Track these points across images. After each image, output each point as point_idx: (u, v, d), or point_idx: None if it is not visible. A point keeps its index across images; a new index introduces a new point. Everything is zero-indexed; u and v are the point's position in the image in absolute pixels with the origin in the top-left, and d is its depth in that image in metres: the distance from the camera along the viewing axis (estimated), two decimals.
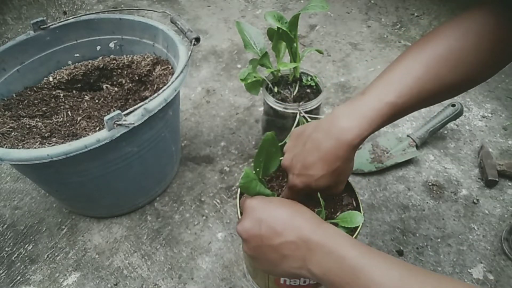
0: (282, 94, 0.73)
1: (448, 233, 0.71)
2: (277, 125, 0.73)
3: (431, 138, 0.87)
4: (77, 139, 0.64)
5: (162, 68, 0.77)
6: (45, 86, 0.78)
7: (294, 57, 0.70)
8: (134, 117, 0.56)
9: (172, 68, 0.76)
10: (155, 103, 0.58)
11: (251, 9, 1.36)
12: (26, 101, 0.74)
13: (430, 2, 1.32)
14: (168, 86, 0.61)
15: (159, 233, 0.73)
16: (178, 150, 0.80)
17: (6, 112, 0.71)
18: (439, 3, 1.31)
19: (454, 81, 0.43)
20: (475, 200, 0.76)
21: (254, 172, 0.51)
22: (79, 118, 0.72)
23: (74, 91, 0.80)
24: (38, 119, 0.71)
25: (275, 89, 0.73)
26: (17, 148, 0.63)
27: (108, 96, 0.78)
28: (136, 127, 0.56)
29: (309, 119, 0.68)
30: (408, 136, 0.85)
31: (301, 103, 0.68)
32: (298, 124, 0.68)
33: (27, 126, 0.68)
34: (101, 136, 0.54)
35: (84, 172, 0.62)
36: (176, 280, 0.66)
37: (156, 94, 0.59)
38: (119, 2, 1.41)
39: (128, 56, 0.81)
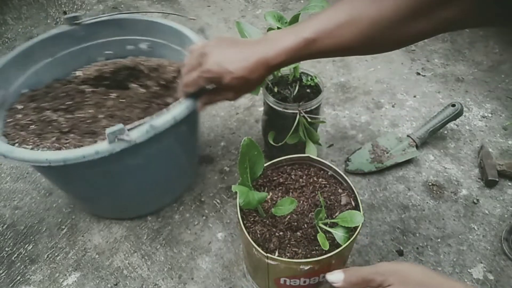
0: (282, 94, 0.73)
1: (448, 233, 0.71)
2: (277, 125, 0.73)
3: (431, 138, 0.87)
4: (95, 138, 0.66)
5: None
6: (74, 80, 0.78)
7: None
8: (138, 133, 0.53)
9: None
10: (162, 120, 0.55)
11: (251, 9, 1.36)
12: (52, 93, 0.74)
13: None
14: (180, 103, 0.58)
15: (159, 233, 0.73)
16: (195, 163, 0.77)
17: (31, 103, 0.71)
18: None
19: (373, 36, 0.46)
20: (475, 200, 0.76)
21: (240, 180, 0.51)
22: (101, 116, 0.72)
23: (101, 88, 0.79)
24: (61, 113, 0.71)
25: (275, 89, 0.73)
26: (31, 142, 0.63)
27: (134, 96, 0.77)
28: (140, 143, 0.54)
29: (309, 119, 0.68)
30: (408, 136, 0.85)
31: (301, 103, 0.68)
32: (298, 124, 0.68)
33: (48, 119, 0.68)
34: (100, 148, 0.52)
35: (84, 178, 0.62)
36: (176, 280, 0.66)
37: (165, 110, 0.56)
38: (119, 1, 1.41)
39: (157, 59, 0.80)
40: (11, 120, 0.67)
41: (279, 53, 0.49)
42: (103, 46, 0.80)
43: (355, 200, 0.54)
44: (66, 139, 0.65)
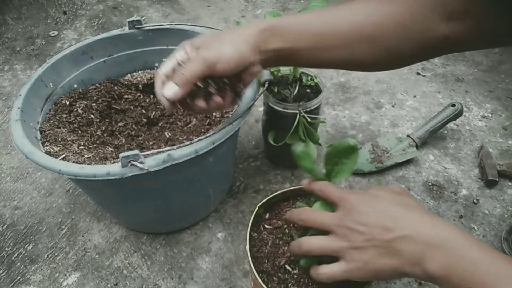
0: (282, 94, 0.73)
1: None
2: (277, 125, 0.73)
3: (431, 138, 0.87)
4: (134, 144, 0.68)
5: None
6: (126, 83, 0.78)
7: None
8: (153, 161, 0.51)
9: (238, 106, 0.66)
10: (182, 152, 0.52)
11: (251, 9, 1.36)
12: (101, 93, 0.74)
13: None
14: (206, 137, 0.53)
15: (159, 233, 0.73)
16: (221, 191, 0.74)
17: (78, 100, 0.72)
18: None
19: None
20: (475, 200, 0.76)
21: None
22: (139, 126, 0.73)
23: (152, 96, 0.79)
24: (104, 115, 0.72)
25: (275, 89, 0.73)
26: (61, 144, 0.63)
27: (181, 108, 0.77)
28: (155, 170, 0.52)
29: (309, 119, 0.68)
30: (408, 136, 0.85)
31: (301, 103, 0.68)
32: (298, 124, 0.68)
33: (88, 120, 0.69)
34: (112, 170, 0.51)
35: (98, 191, 0.63)
36: (176, 280, 0.66)
37: (188, 142, 0.53)
38: (119, 1, 1.42)
39: None
40: (52, 114, 0.68)
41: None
42: (160, 53, 0.79)
43: None
44: (96, 145, 0.66)
